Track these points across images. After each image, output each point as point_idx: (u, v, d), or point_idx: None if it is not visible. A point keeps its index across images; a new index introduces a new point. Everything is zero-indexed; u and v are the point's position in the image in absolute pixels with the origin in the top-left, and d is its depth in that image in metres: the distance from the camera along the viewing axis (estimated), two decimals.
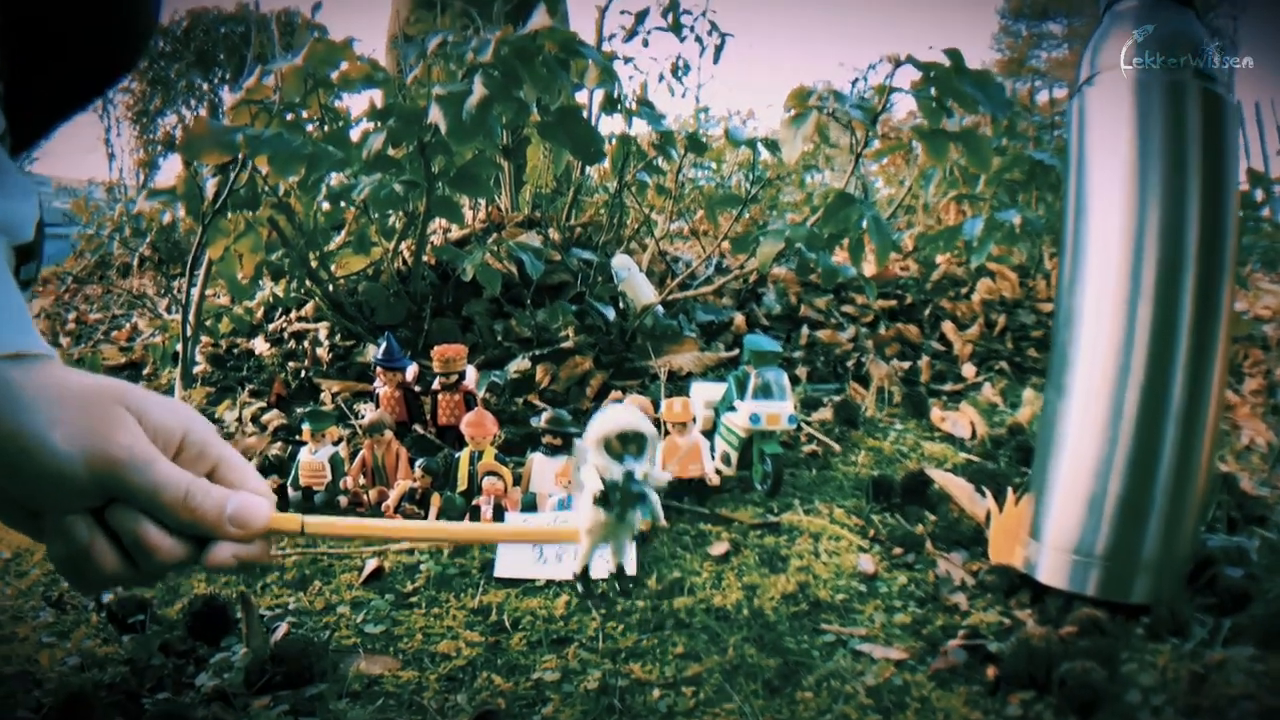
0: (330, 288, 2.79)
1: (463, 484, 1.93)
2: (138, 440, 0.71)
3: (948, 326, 3.22)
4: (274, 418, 2.41)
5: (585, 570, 1.67)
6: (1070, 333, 1.55)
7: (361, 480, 1.98)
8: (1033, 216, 3.39)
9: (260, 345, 2.95)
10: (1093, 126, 1.56)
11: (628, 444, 1.60)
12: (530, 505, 1.90)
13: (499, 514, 1.81)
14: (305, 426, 1.97)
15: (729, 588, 1.69)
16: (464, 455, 1.94)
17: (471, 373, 2.20)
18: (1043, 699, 1.31)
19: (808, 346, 2.96)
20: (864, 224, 2.41)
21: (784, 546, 1.82)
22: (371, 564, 1.72)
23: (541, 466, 1.94)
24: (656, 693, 1.42)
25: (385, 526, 1.23)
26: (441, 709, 1.39)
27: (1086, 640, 1.39)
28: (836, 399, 2.57)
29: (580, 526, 1.57)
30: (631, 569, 1.70)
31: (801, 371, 2.76)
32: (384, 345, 2.18)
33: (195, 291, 2.65)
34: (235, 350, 2.94)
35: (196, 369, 2.78)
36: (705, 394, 2.18)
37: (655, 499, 1.88)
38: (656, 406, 2.05)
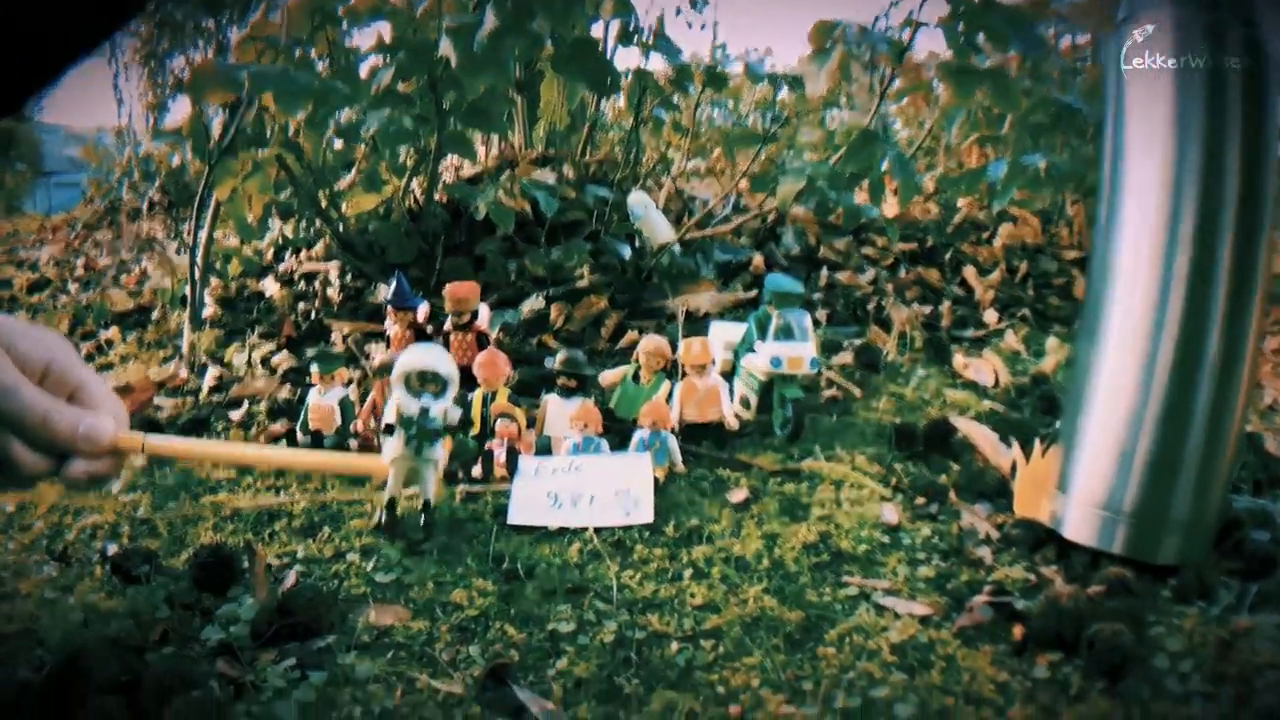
0: (341, 227, 2.68)
1: (475, 426, 1.84)
2: (3, 370, 0.78)
3: (969, 272, 3.09)
4: (284, 360, 2.32)
5: (392, 501, 1.63)
6: (1104, 281, 1.44)
7: (371, 424, 1.89)
8: (1058, 161, 3.24)
9: (270, 286, 2.85)
10: (1131, 69, 1.45)
11: (426, 383, 1.56)
12: (545, 449, 1.81)
13: (512, 457, 1.71)
14: (314, 369, 1.88)
15: (748, 536, 1.60)
16: (476, 397, 1.85)
17: (484, 312, 2.10)
18: (1070, 660, 1.24)
19: (827, 288, 2.84)
20: (886, 163, 2.28)
21: (805, 494, 1.73)
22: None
23: (556, 409, 1.84)
24: (674, 646, 1.34)
25: (227, 451, 1.28)
26: (453, 661, 1.31)
27: (1115, 600, 1.32)
28: (857, 343, 2.46)
29: (384, 458, 1.55)
30: (648, 517, 1.61)
31: (821, 314, 2.64)
32: (394, 285, 2.08)
33: (203, 233, 2.55)
34: (245, 292, 2.84)
35: (206, 312, 2.68)
36: (724, 335, 2.08)
37: (673, 444, 1.80)
38: (674, 347, 1.95)
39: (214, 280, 2.84)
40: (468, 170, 3.02)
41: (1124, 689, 1.18)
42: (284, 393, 2.10)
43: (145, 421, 1.95)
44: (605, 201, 2.73)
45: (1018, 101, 2.41)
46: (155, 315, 2.80)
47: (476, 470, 1.72)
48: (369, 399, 1.90)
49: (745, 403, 1.96)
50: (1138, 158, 1.42)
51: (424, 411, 1.55)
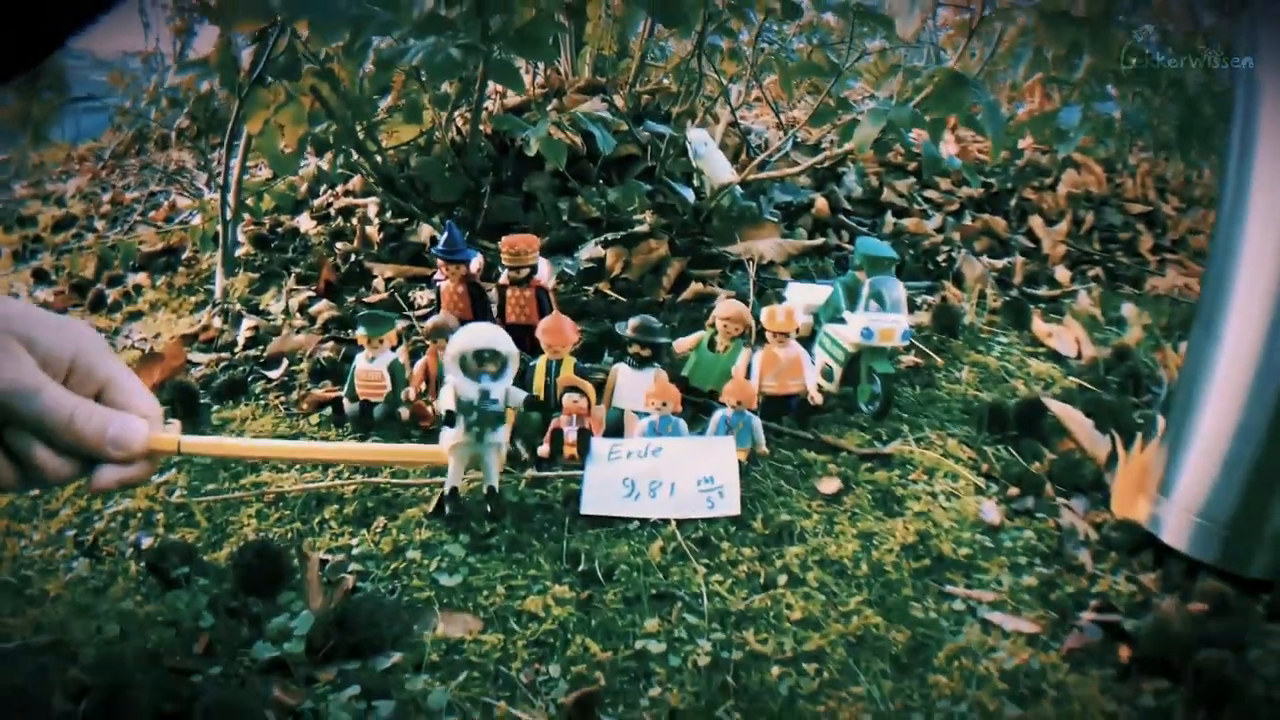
0: (379, 160, 2.44)
1: (538, 396, 1.65)
2: (23, 369, 0.71)
3: (1035, 222, 2.84)
4: (323, 309, 2.12)
5: (454, 491, 1.46)
6: (1226, 272, 1.32)
7: (424, 389, 1.70)
8: (1131, 111, 2.98)
9: (306, 223, 2.64)
10: (1270, 45, 1.30)
11: (484, 363, 1.37)
12: (615, 423, 1.62)
13: (583, 438, 1.53)
14: (361, 332, 1.68)
15: (842, 534, 1.42)
16: (539, 365, 1.66)
17: (544, 266, 1.89)
18: (1175, 689, 1.16)
19: (893, 236, 2.60)
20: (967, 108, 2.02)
21: (898, 484, 1.55)
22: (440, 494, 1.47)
23: (628, 379, 1.65)
24: (775, 670, 1.18)
25: (268, 447, 1.21)
26: (533, 684, 1.15)
27: (1217, 621, 1.25)
28: (932, 300, 2.24)
29: (443, 446, 1.36)
30: (734, 509, 1.43)
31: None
32: (445, 235, 1.87)
33: (234, 170, 2.32)
34: (279, 230, 2.63)
35: (239, 251, 2.48)
36: (804, 297, 1.87)
37: (757, 425, 1.61)
38: (747, 303, 1.74)
39: (246, 218, 2.62)
40: (511, 99, 2.76)
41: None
42: (326, 350, 1.90)
43: (179, 389, 1.77)
44: (661, 138, 2.48)
45: (1114, 51, 2.14)
46: (186, 255, 2.59)
47: (543, 449, 1.54)
48: (421, 363, 1.71)
49: (827, 373, 1.76)
50: (1266, 164, 1.29)
51: (484, 394, 1.36)
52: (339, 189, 2.78)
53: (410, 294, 2.20)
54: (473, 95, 2.41)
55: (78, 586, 1.31)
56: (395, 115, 2.51)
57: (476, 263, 1.90)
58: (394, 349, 1.71)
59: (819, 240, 2.44)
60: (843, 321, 1.71)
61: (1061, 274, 2.53)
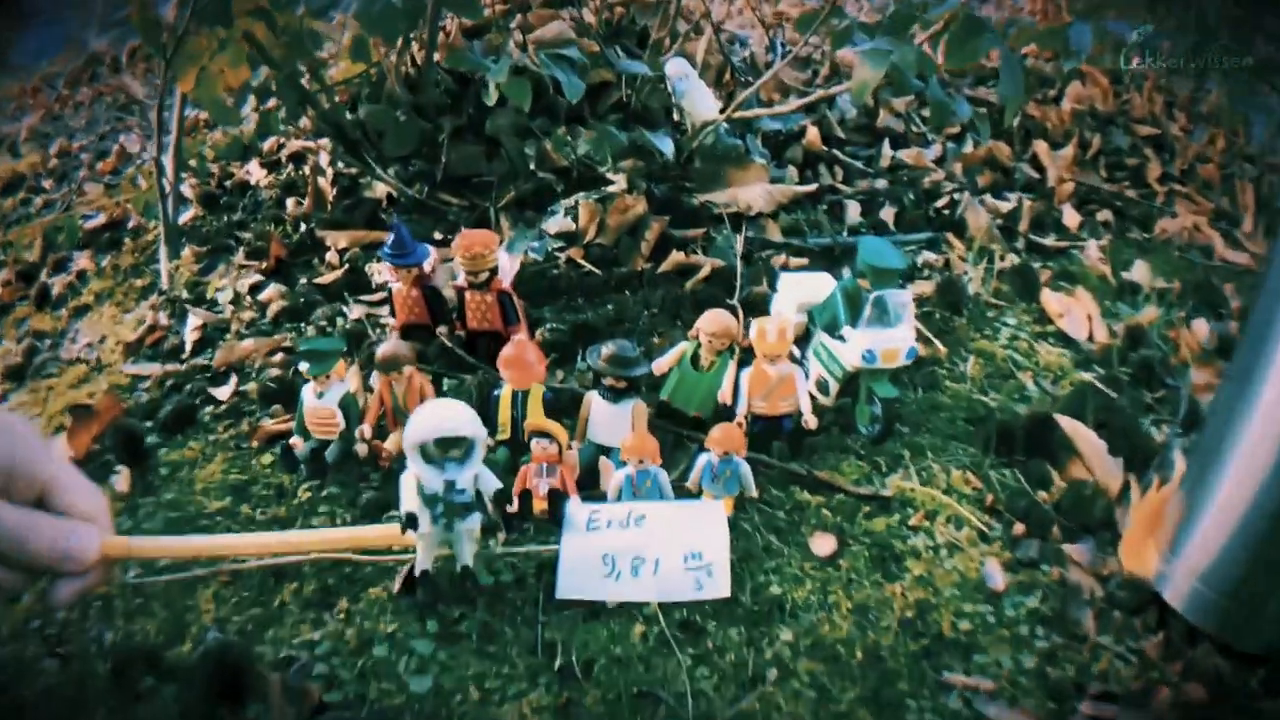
0: (327, 106, 2.15)
1: (504, 430, 1.47)
2: None
3: (1040, 147, 2.54)
4: (274, 296, 1.91)
5: (425, 574, 1.28)
6: (1268, 339, 1.13)
7: (381, 419, 1.52)
8: (1145, 30, 2.62)
9: (256, 172, 2.36)
10: None
11: (449, 449, 1.18)
12: (591, 464, 1.45)
13: (556, 501, 1.36)
14: (304, 368, 1.48)
15: (837, 608, 1.29)
16: (504, 397, 1.47)
17: (505, 262, 1.66)
18: None
19: (890, 170, 2.33)
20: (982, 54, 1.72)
21: (896, 535, 1.40)
22: (405, 571, 1.32)
23: (602, 413, 1.46)
24: None
25: (220, 545, 1.12)
26: None
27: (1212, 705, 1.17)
28: (934, 259, 2.02)
29: (410, 533, 1.19)
30: (723, 590, 1.27)
31: (888, 214, 2.16)
32: (392, 237, 1.63)
33: (170, 140, 2.05)
34: (227, 184, 2.35)
35: (185, 215, 2.22)
36: (799, 292, 1.64)
37: (746, 471, 1.43)
38: (745, 324, 1.53)
39: (190, 181, 2.34)
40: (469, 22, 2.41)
41: None
42: (274, 366, 1.70)
43: (121, 433, 1.59)
44: (635, 78, 2.17)
45: None
46: (132, 224, 2.32)
47: (511, 507, 1.38)
48: (375, 396, 1.52)
49: (823, 386, 1.57)
50: None
51: (449, 485, 1.19)
52: (290, 130, 2.48)
53: (368, 267, 1.97)
54: (423, 25, 2.09)
55: (53, 698, 1.19)
56: (343, 56, 2.20)
57: (430, 261, 1.67)
58: (343, 380, 1.52)
59: (812, 186, 2.18)
60: (841, 338, 1.51)
61: (1070, 217, 2.27)
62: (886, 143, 2.41)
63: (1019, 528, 1.42)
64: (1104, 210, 2.34)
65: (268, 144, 2.45)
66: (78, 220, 2.32)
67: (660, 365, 1.53)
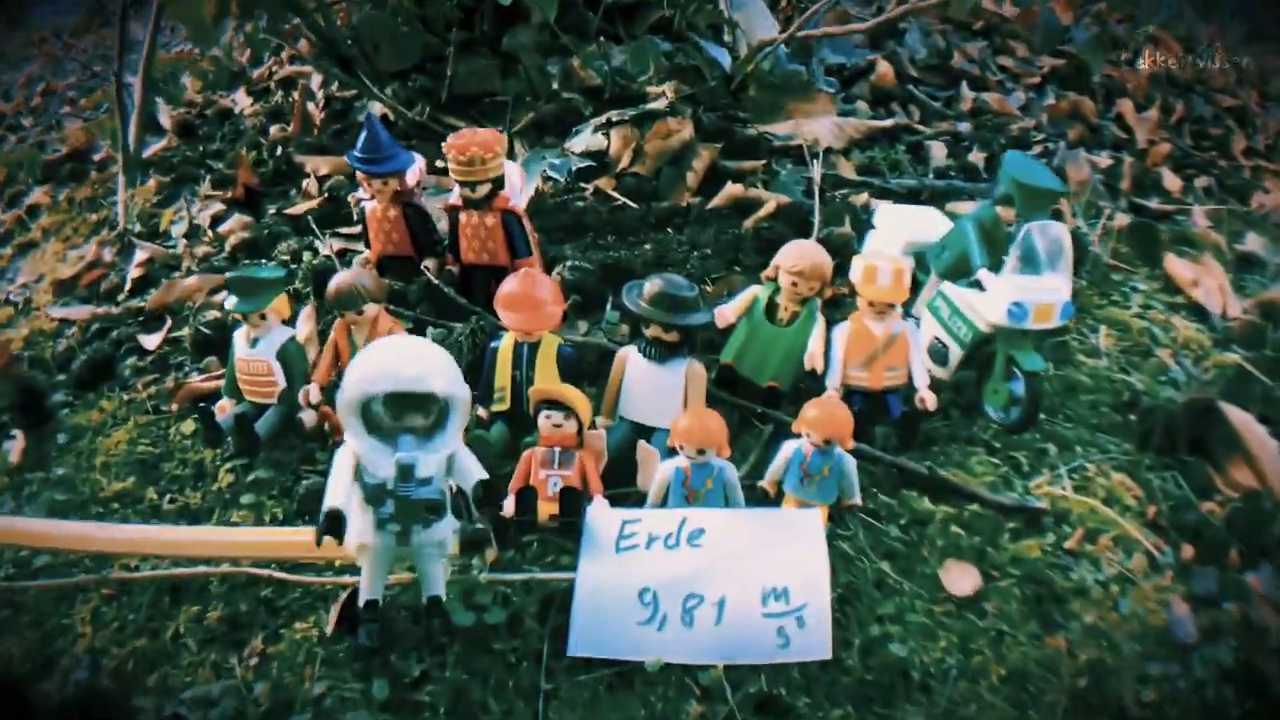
0: (319, 19, 1.61)
1: (501, 398, 0.93)
2: None
3: (1125, 106, 2.00)
4: (235, 227, 1.38)
5: (371, 606, 0.73)
6: None
7: (335, 381, 0.99)
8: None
9: (242, 100, 1.82)
10: None
11: (406, 413, 0.66)
12: (623, 448, 0.90)
13: (570, 501, 0.82)
14: (231, 303, 0.95)
15: (985, 675, 0.75)
16: (503, 350, 0.93)
17: (514, 175, 1.12)
18: None
19: (972, 114, 1.77)
20: None
21: (1054, 565, 0.87)
22: (342, 599, 0.79)
23: (642, 377, 0.92)
24: None
25: (95, 535, 0.78)
26: None
27: None
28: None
29: (346, 542, 0.69)
30: (822, 649, 0.74)
31: (977, 158, 1.60)
32: (364, 135, 1.09)
33: (141, 60, 1.52)
34: (209, 112, 1.81)
35: (157, 146, 1.69)
36: (904, 229, 1.09)
37: (851, 467, 0.82)
38: (839, 263, 0.98)
39: (163, 106, 1.81)
40: None
41: None
42: (213, 310, 1.17)
43: (21, 389, 1.10)
44: None
45: None
46: (100, 156, 1.79)
47: (508, 507, 0.83)
48: (329, 344, 0.98)
49: (939, 354, 1.02)
50: None
51: (404, 471, 0.66)
52: (284, 54, 1.94)
53: (351, 196, 1.43)
54: None
55: None
56: None
57: (414, 171, 1.13)
58: (288, 321, 0.99)
59: (888, 121, 1.62)
60: (975, 284, 0.96)
61: (1171, 180, 1.75)
62: (964, 85, 1.84)
63: (1188, 550, 0.92)
64: (1202, 176, 1.80)
65: (258, 72, 1.91)
66: (37, 154, 1.79)
67: (725, 313, 0.98)
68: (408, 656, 0.74)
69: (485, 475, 0.71)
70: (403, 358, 0.67)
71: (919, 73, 1.90)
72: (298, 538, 0.82)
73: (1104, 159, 1.76)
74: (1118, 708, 0.77)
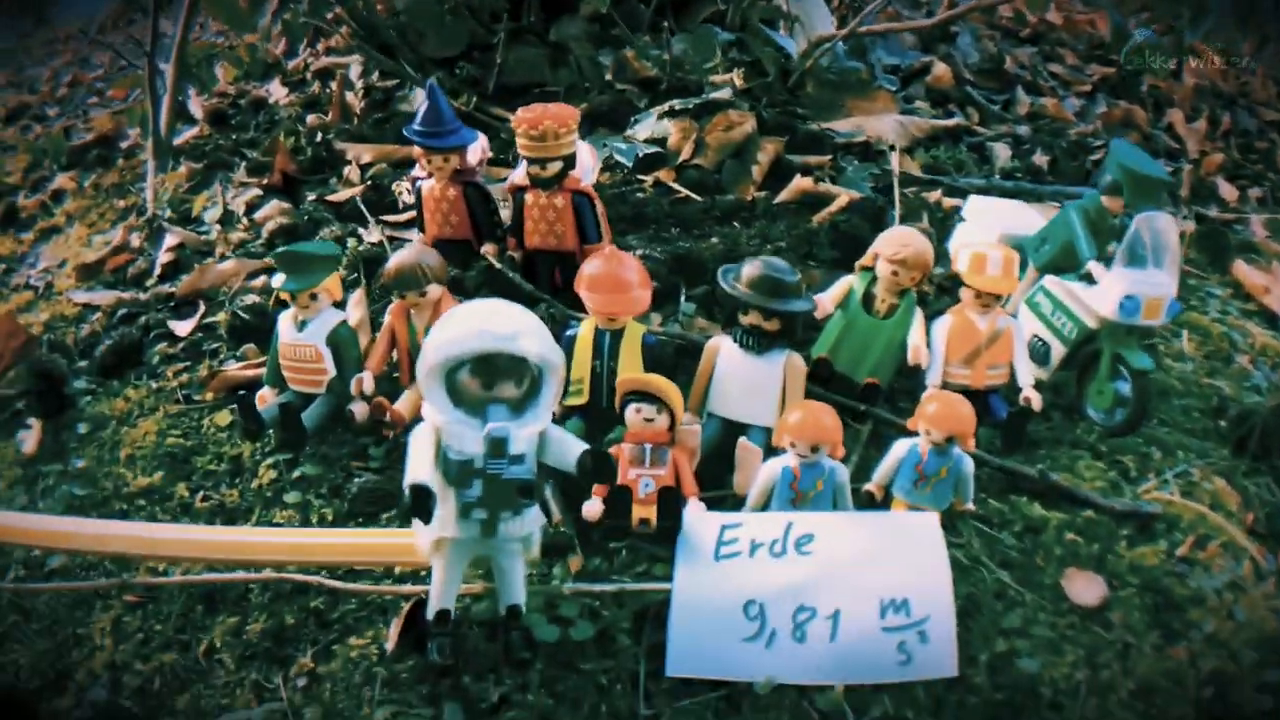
0: (360, 4, 1.54)
1: (579, 390, 0.84)
2: None
3: (1175, 116, 1.96)
4: (272, 213, 1.30)
5: (443, 617, 0.64)
6: None
7: (392, 368, 0.90)
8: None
9: (277, 91, 1.75)
10: None
11: (496, 381, 0.58)
12: (717, 448, 0.81)
13: (669, 504, 0.73)
14: (279, 282, 0.87)
15: (1113, 687, 0.68)
16: (582, 338, 0.84)
17: (585, 155, 1.04)
18: None
19: (1030, 119, 1.70)
20: None
21: (1169, 573, 0.80)
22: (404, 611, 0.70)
23: (736, 370, 0.83)
24: None
25: (127, 536, 0.69)
26: None
27: None
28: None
29: (420, 540, 0.61)
30: (949, 665, 0.65)
31: (1042, 160, 1.53)
32: (424, 106, 1.01)
33: (177, 31, 1.46)
34: (242, 102, 1.74)
35: (188, 134, 1.62)
36: (998, 221, 1.01)
37: (968, 469, 0.71)
38: (936, 250, 0.90)
39: (197, 97, 1.73)
40: None
41: None
42: (252, 293, 1.08)
43: (39, 373, 1.02)
44: None
45: None
46: (127, 143, 1.71)
47: (592, 509, 0.74)
48: (384, 329, 0.90)
49: (1039, 352, 0.93)
50: None
51: (496, 445, 0.58)
52: (320, 46, 1.87)
53: (395, 187, 1.35)
54: None
55: None
56: None
57: (475, 150, 1.05)
58: (339, 304, 0.90)
59: (952, 121, 1.55)
60: (1085, 278, 0.87)
61: (1227, 190, 1.70)
62: (1020, 89, 1.77)
63: None
64: (1255, 188, 1.75)
65: (294, 63, 1.84)
66: (62, 139, 1.71)
67: (824, 302, 0.89)
68: (484, 678, 0.65)
69: (586, 446, 0.63)
70: (494, 317, 0.59)
71: (973, 76, 1.83)
72: (349, 540, 0.73)
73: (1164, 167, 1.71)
74: (1240, 717, 0.71)
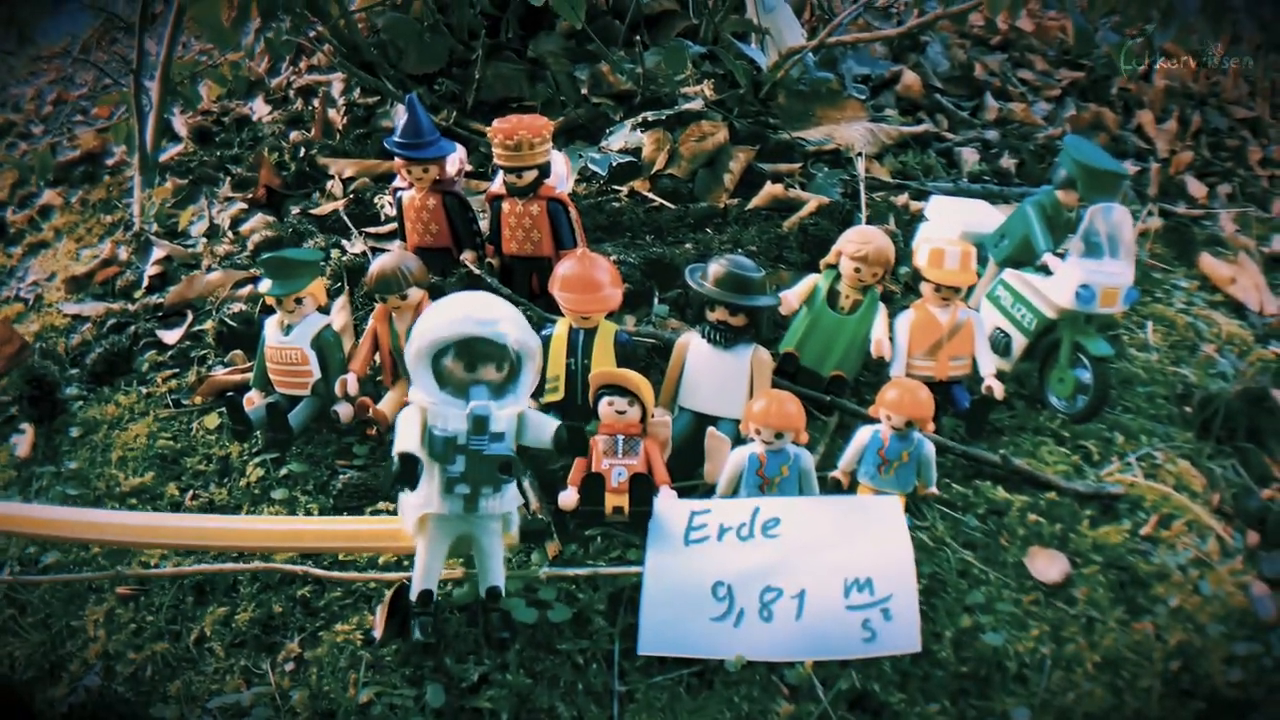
0: (341, 23, 1.58)
1: (555, 387, 0.87)
2: None
3: (1145, 117, 2.02)
4: (257, 225, 1.32)
5: (426, 598, 0.66)
6: None
7: (374, 371, 0.93)
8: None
9: (260, 108, 1.78)
10: None
11: (478, 364, 0.62)
12: (688, 441, 0.85)
13: (641, 490, 0.76)
14: (265, 287, 0.89)
15: (1079, 662, 0.70)
16: (557, 337, 0.87)
17: (560, 164, 1.08)
18: None
19: (998, 123, 1.75)
20: None
21: (1134, 551, 0.83)
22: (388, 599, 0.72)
23: (705, 364, 0.86)
24: None
25: (114, 524, 0.71)
26: None
27: None
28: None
29: (404, 519, 0.65)
30: (911, 641, 0.68)
31: (1009, 162, 1.58)
32: (404, 118, 1.04)
33: (161, 50, 1.48)
34: (226, 119, 1.77)
35: (173, 151, 1.64)
36: (960, 217, 1.05)
37: (929, 454, 0.74)
38: (900, 250, 0.94)
39: (181, 114, 1.76)
40: None
41: None
42: (238, 303, 1.11)
43: (32, 380, 1.04)
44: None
45: None
46: (113, 161, 1.74)
47: (568, 497, 0.77)
48: (368, 332, 0.93)
49: (1000, 344, 0.97)
50: None
51: (478, 423, 0.61)
52: (302, 64, 1.90)
53: (378, 200, 1.38)
54: None
55: None
56: None
57: (454, 160, 1.08)
58: (323, 309, 0.93)
59: (920, 127, 1.59)
60: (1041, 269, 0.91)
61: (1195, 187, 1.75)
62: (989, 95, 1.82)
63: (1253, 536, 0.90)
64: (1224, 184, 1.80)
65: (276, 81, 1.87)
66: (49, 156, 1.73)
67: (789, 299, 0.93)
68: (465, 660, 0.68)
69: (560, 422, 0.66)
70: (476, 305, 0.63)
71: (942, 84, 1.88)
72: (337, 527, 0.75)
73: (1130, 166, 1.75)
74: (1209, 689, 0.74)
